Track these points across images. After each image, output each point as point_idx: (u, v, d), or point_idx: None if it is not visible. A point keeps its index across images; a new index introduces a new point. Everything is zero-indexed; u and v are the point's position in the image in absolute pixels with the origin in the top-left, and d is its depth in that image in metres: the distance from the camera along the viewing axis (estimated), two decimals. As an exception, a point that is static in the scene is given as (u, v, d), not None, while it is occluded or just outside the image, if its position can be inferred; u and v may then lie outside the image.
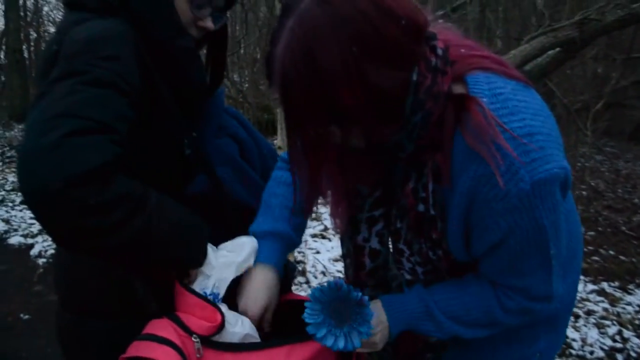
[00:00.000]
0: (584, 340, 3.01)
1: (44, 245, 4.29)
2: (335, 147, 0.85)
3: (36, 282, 3.67)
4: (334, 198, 1.00)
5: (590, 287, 3.69)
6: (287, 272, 1.16)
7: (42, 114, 0.79)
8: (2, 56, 12.43)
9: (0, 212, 5.29)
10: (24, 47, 11.37)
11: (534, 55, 3.96)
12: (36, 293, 3.52)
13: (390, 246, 1.04)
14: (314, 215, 4.38)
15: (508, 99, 0.79)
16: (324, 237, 4.37)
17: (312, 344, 0.97)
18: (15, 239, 4.55)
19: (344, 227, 1.05)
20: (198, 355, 0.94)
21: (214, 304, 0.96)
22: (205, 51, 1.20)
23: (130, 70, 0.89)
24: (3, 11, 11.23)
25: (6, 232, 4.75)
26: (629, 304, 3.50)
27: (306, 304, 0.97)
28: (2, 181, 6.57)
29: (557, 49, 4.00)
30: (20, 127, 9.72)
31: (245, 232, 1.09)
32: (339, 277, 1.17)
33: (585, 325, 3.18)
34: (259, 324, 1.04)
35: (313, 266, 3.81)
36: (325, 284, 0.98)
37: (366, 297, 0.94)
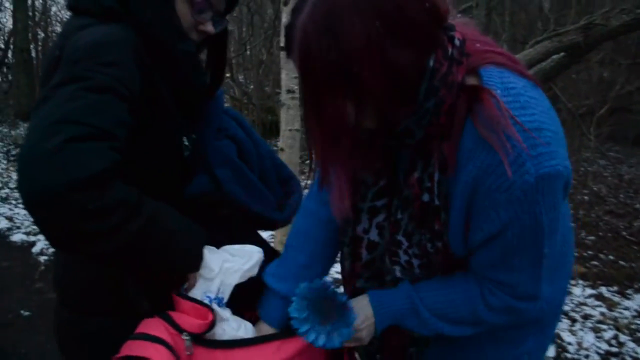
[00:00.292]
0: (579, 344, 3.01)
1: (45, 243, 4.30)
2: (349, 129, 0.84)
3: (37, 280, 3.69)
4: (338, 184, 0.99)
5: (589, 291, 3.68)
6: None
7: (43, 119, 0.80)
8: (10, 55, 12.53)
9: (4, 210, 5.34)
10: (31, 46, 11.41)
11: (539, 60, 3.97)
12: (37, 290, 3.54)
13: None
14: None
15: (520, 94, 0.81)
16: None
17: (301, 339, 0.99)
18: (17, 236, 4.59)
19: (346, 215, 1.04)
20: (188, 353, 0.95)
21: (206, 305, 0.97)
22: (205, 53, 1.20)
23: (131, 75, 0.90)
24: (11, 11, 11.30)
25: (9, 229, 4.79)
26: (627, 308, 3.49)
27: (293, 299, 0.99)
28: (6, 179, 6.62)
29: (562, 54, 4.00)
30: (26, 125, 9.77)
31: (243, 232, 1.10)
32: (329, 278, 1.18)
33: (581, 329, 3.17)
34: None
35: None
36: (313, 282, 0.99)
37: (350, 302, 0.96)
